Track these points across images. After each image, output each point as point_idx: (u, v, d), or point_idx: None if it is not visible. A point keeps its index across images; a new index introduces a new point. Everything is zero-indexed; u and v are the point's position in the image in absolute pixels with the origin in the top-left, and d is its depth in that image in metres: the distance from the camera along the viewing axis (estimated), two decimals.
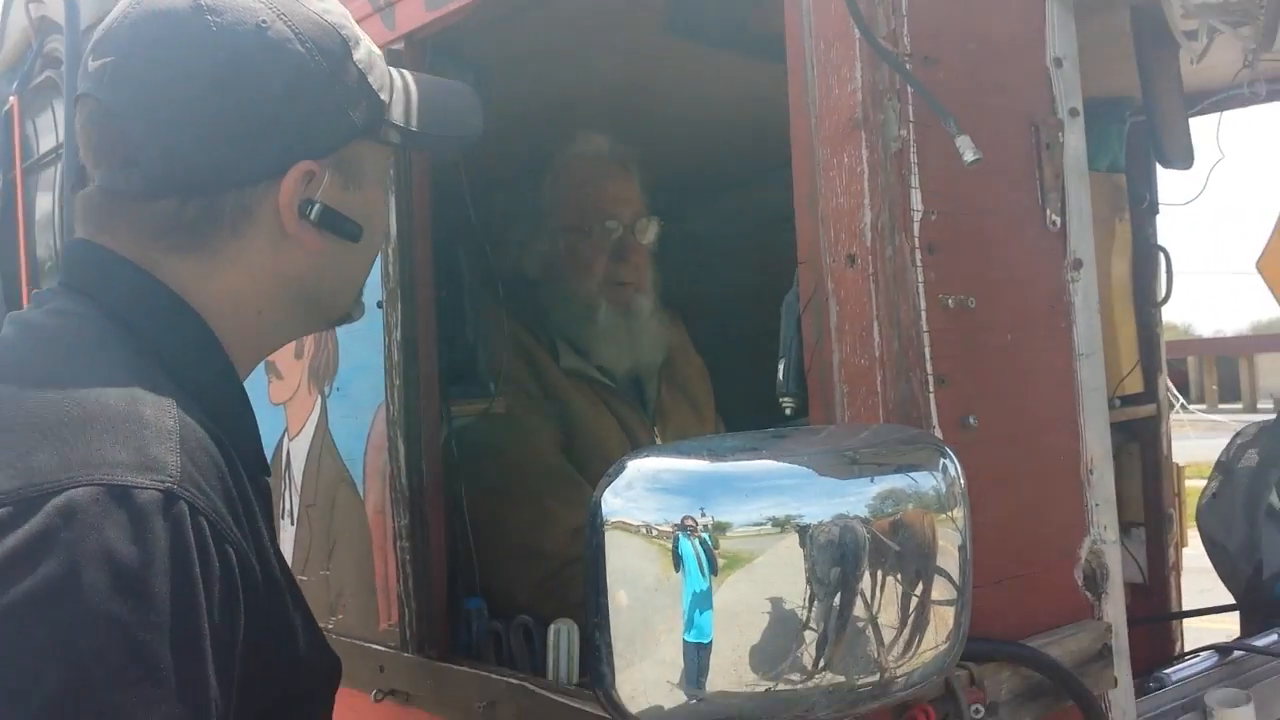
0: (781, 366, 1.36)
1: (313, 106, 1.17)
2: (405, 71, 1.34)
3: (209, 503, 0.97)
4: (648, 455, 1.01)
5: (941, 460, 1.09)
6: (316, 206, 1.19)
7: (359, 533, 2.01)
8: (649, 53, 2.26)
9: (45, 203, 3.12)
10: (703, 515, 0.95)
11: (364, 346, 1.97)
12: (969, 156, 1.18)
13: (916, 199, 1.25)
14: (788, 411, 1.36)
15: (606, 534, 0.98)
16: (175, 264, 1.17)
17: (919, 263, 1.25)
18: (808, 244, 1.31)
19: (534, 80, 2.37)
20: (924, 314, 1.25)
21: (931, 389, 1.25)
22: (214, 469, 1.02)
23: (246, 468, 1.11)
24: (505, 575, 2.20)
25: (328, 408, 2.09)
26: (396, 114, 1.26)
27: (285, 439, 2.21)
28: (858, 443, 1.08)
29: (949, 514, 1.06)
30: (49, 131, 3.07)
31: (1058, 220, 1.39)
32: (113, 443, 0.94)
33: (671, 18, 2.02)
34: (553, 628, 1.83)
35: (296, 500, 2.18)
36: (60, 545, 0.87)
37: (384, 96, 1.25)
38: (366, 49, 1.24)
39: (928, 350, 1.25)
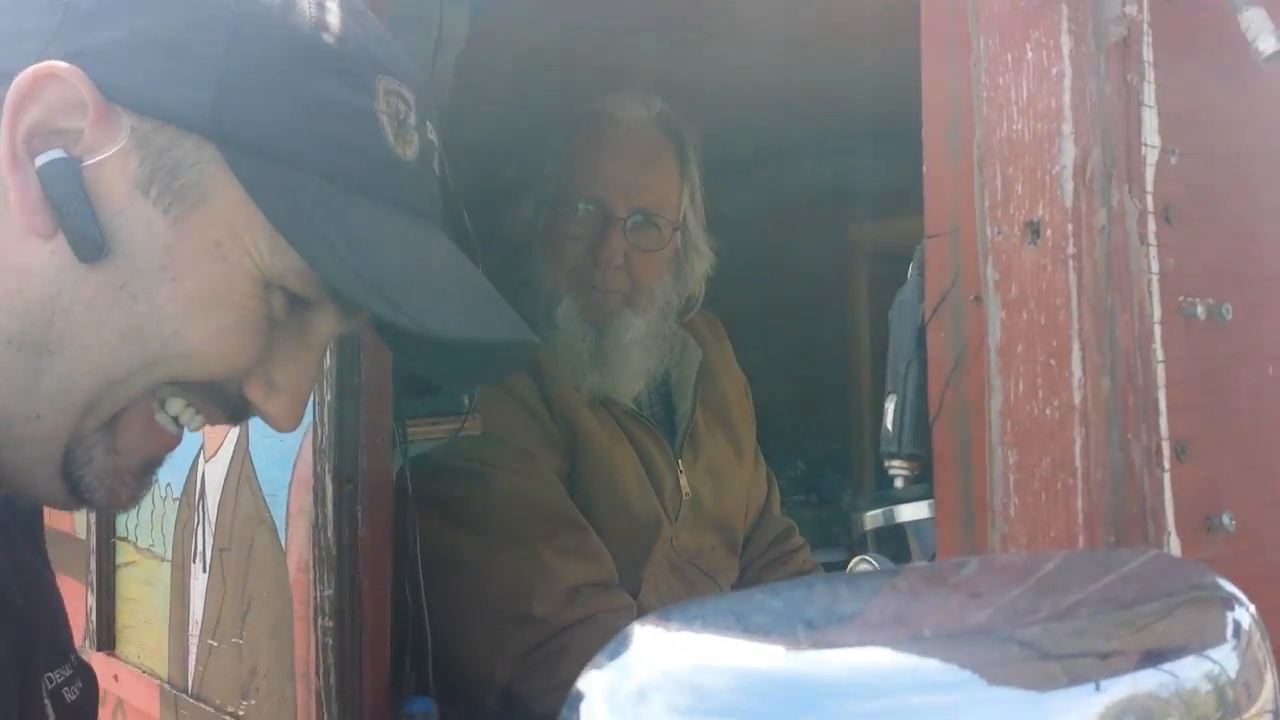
0: (891, 408, 0.82)
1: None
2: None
3: None
4: (670, 624, 0.47)
5: (1229, 622, 0.55)
6: (55, 152, 0.72)
7: (277, 593, 1.49)
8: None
9: None
10: None
11: None
12: (1270, 46, 0.64)
13: (1151, 126, 0.72)
14: (898, 482, 0.83)
15: None
16: None
17: (1152, 238, 0.71)
18: (946, 205, 0.77)
19: (535, 12, 1.87)
20: (1158, 329, 0.71)
21: (1167, 464, 0.71)
22: None
23: None
24: (479, 647, 1.71)
25: (250, 423, 1.57)
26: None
27: (200, 459, 1.70)
28: (1054, 602, 0.54)
29: None
30: None
31: None
32: None
33: None
34: None
35: (210, 540, 1.67)
36: None
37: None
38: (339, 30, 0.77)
39: (1162, 394, 0.71)
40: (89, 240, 0.72)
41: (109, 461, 0.79)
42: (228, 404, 0.82)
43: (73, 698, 0.90)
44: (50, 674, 0.87)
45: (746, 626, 0.44)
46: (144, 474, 0.83)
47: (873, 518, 0.95)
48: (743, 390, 2.25)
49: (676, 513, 1.98)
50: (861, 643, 0.45)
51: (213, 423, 0.84)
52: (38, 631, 0.86)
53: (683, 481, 2.00)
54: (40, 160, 0.72)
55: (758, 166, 2.79)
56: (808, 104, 2.31)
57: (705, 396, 2.11)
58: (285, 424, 0.83)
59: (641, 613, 1.86)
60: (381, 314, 0.76)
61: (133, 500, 0.84)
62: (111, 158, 0.73)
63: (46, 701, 0.86)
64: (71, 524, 2.14)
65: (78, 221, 0.72)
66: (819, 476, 3.35)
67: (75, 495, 0.80)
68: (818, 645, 0.45)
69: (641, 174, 1.90)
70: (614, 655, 0.46)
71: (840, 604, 0.55)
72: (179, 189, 0.73)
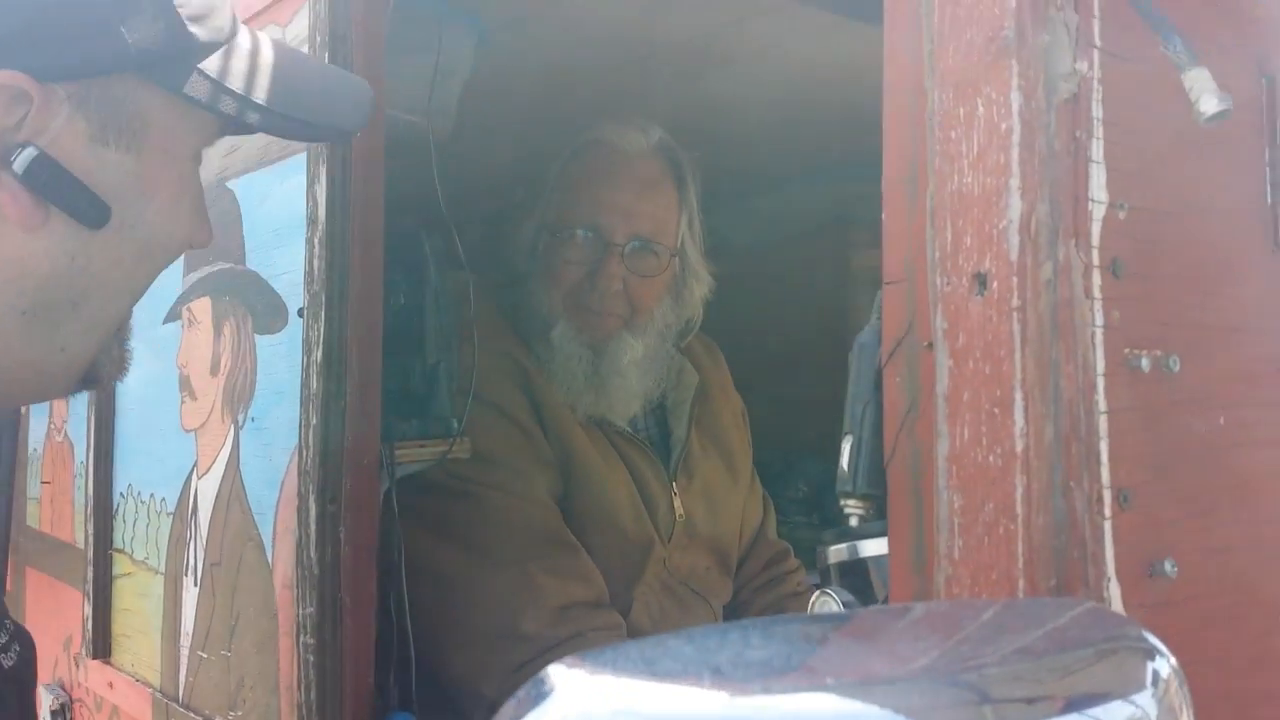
0: (847, 448, 0.84)
1: None
2: (270, 37, 0.97)
3: None
4: (605, 665, 0.48)
5: (1149, 671, 0.57)
6: (27, 152, 0.79)
7: (264, 609, 1.51)
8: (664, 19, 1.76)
9: None
10: None
11: (285, 366, 1.48)
12: (1210, 107, 0.66)
13: (1098, 181, 0.73)
14: (852, 521, 0.85)
15: None
16: None
17: (1097, 292, 0.73)
18: (901, 253, 0.79)
19: (541, 43, 1.89)
20: (1102, 380, 0.73)
21: (1108, 512, 0.72)
22: None
23: None
24: (468, 662, 1.72)
25: (240, 441, 1.60)
26: (220, 67, 0.88)
27: (194, 475, 1.72)
28: (985, 650, 0.56)
29: None
30: None
31: None
32: None
33: None
34: None
35: (201, 555, 1.69)
36: None
37: (195, 31, 0.86)
38: None
39: (1104, 444, 0.73)
40: (92, 210, 0.82)
41: (119, 349, 0.94)
42: None
43: (9, 663, 0.95)
44: None
45: (656, 672, 0.46)
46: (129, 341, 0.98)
47: (836, 551, 0.96)
48: (739, 414, 2.26)
49: (670, 534, 1.99)
50: (771, 690, 0.47)
51: None
52: None
53: (676, 503, 2.01)
54: (17, 164, 0.80)
55: (759, 194, 2.81)
56: (809, 133, 2.33)
57: (701, 419, 2.12)
58: (210, 242, 0.98)
59: (632, 632, 1.87)
60: (297, 136, 1.02)
61: (128, 369, 0.97)
62: (62, 130, 0.81)
63: None
64: (71, 534, 2.16)
65: (75, 201, 0.82)
66: (821, 499, 3.35)
67: (90, 385, 0.94)
68: (728, 691, 0.46)
69: (640, 201, 1.92)
70: (535, 701, 0.47)
71: (794, 642, 0.57)
72: (126, 125, 0.84)
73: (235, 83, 0.88)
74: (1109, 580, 0.71)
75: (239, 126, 0.93)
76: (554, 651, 1.72)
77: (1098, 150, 0.73)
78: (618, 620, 1.83)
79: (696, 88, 2.11)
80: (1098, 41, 0.72)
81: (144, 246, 0.88)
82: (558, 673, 0.47)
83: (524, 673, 1.72)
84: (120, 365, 0.94)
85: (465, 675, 1.73)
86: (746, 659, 0.52)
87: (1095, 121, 0.73)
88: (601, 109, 2.12)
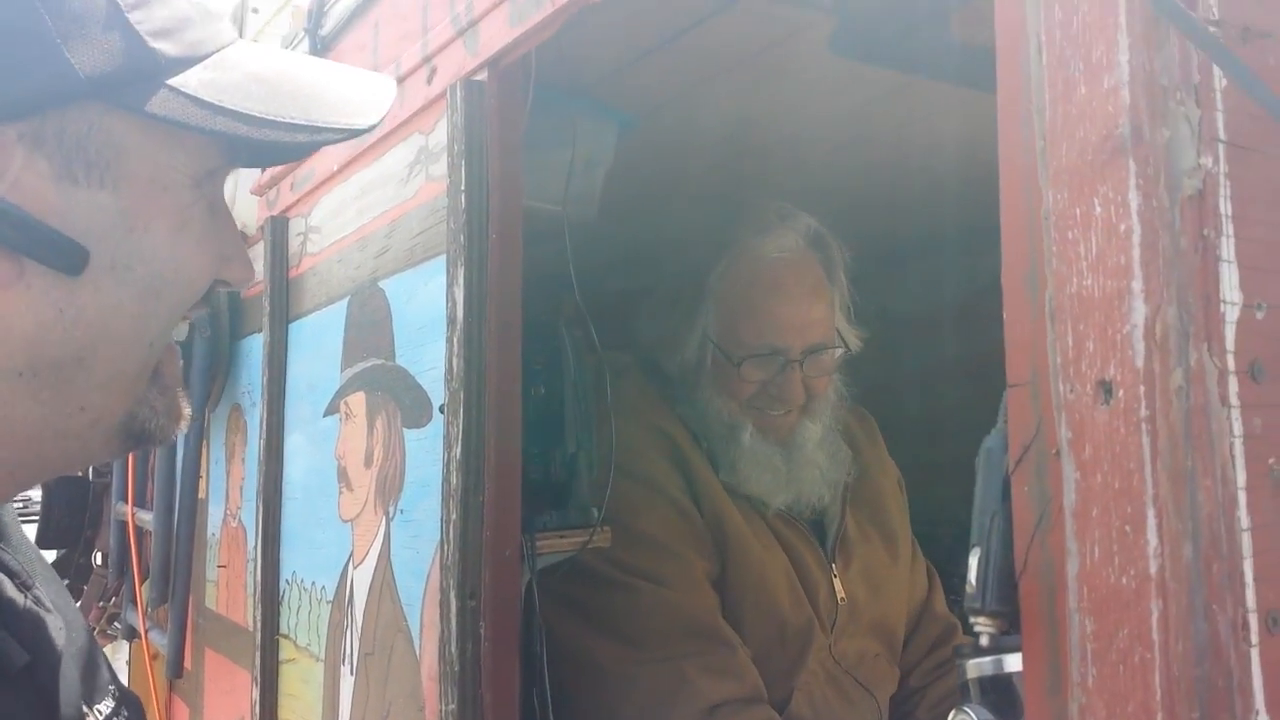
0: (974, 562, 0.80)
1: None
2: (273, 48, 0.91)
3: None
4: None
5: None
6: None
7: (412, 701, 1.53)
8: (820, 89, 1.75)
9: None
10: None
11: (430, 460, 1.51)
12: None
13: (1230, 281, 0.68)
14: (983, 640, 0.80)
15: None
16: None
17: (1234, 399, 0.68)
18: (1025, 354, 0.75)
19: (690, 127, 1.91)
20: (1243, 494, 0.67)
21: (1254, 638, 0.67)
22: None
23: None
24: None
25: (391, 533, 1.64)
26: (203, 81, 0.78)
27: (350, 565, 1.77)
28: None
29: None
30: None
31: None
32: None
33: (843, 37, 1.50)
34: None
35: (357, 644, 1.73)
36: None
37: (161, 46, 0.77)
38: None
39: (1249, 563, 0.67)
40: (67, 255, 0.75)
41: (163, 399, 0.84)
42: (205, 297, 0.87)
43: None
44: (98, 706, 0.90)
45: None
46: (180, 389, 0.88)
47: (977, 666, 0.91)
48: (896, 485, 2.20)
49: (833, 620, 1.94)
50: None
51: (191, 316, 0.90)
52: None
53: (837, 585, 1.96)
54: None
55: (916, 259, 2.76)
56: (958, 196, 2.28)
57: (857, 498, 2.08)
58: (248, 280, 0.89)
59: None
60: (307, 144, 0.82)
61: (188, 418, 0.88)
62: (22, 173, 0.74)
63: None
64: (244, 617, 2.25)
65: (46, 249, 0.74)
66: None
67: (140, 443, 0.84)
68: None
69: (809, 312, 1.91)
70: None
71: None
72: (95, 158, 0.76)
73: (216, 95, 0.78)
74: (1257, 714, 0.65)
75: (242, 144, 0.83)
76: None
77: (1228, 249, 0.68)
78: (770, 714, 1.78)
79: (847, 159, 2.10)
80: (1222, 135, 0.68)
81: (147, 287, 0.79)
82: None
83: None
84: (171, 416, 0.85)
85: None
86: None
87: (1224, 218, 0.68)
88: (752, 184, 2.13)
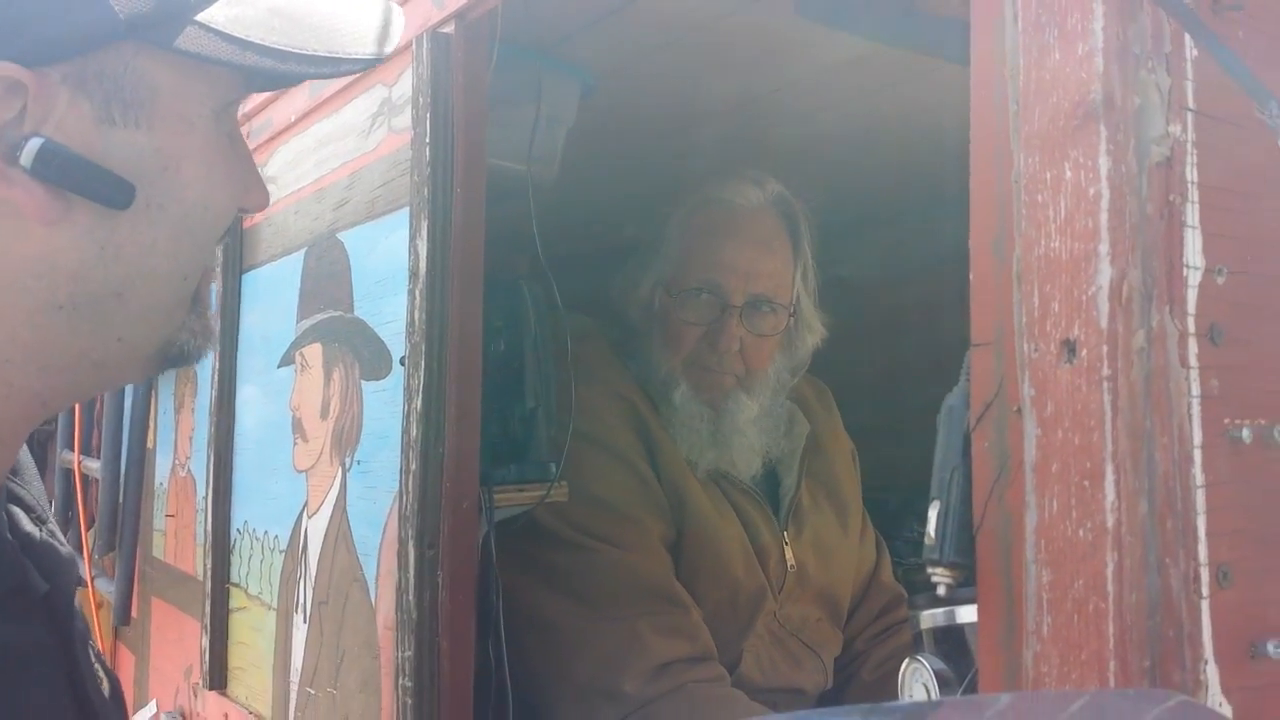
0: (934, 515, 0.82)
1: None
2: None
3: None
4: None
5: None
6: (33, 144, 0.74)
7: (367, 649, 1.54)
8: (782, 54, 1.76)
9: None
10: None
11: (389, 412, 1.51)
12: None
13: (1194, 246, 0.71)
14: (940, 590, 0.83)
15: None
16: None
17: (1194, 360, 0.70)
18: (989, 315, 0.77)
19: (652, 90, 1.91)
20: (1199, 453, 0.70)
21: (1205, 590, 0.69)
22: None
23: None
24: (566, 714, 1.72)
25: (347, 484, 1.64)
26: (225, 16, 0.80)
27: (304, 515, 1.77)
28: None
29: None
30: None
31: None
32: None
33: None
34: None
35: (310, 593, 1.73)
36: None
37: None
38: None
39: (1202, 519, 0.70)
40: (115, 192, 0.77)
41: (200, 322, 0.88)
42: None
43: (108, 693, 0.94)
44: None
45: None
46: (210, 310, 0.92)
47: (930, 616, 0.94)
48: (849, 458, 2.23)
49: (781, 585, 1.97)
50: None
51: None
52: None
53: (788, 553, 1.99)
54: (25, 158, 0.74)
55: (874, 228, 2.78)
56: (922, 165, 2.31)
57: (811, 469, 2.10)
58: (265, 204, 0.91)
59: (741, 684, 1.86)
60: (325, 73, 0.87)
61: (217, 337, 0.89)
62: (65, 114, 0.76)
63: (97, 666, 0.90)
64: (193, 566, 2.24)
65: (95, 184, 0.77)
66: None
67: (175, 363, 0.88)
68: None
69: (757, 260, 1.92)
70: None
71: None
72: (131, 98, 0.78)
73: (242, 30, 0.80)
74: (1206, 662, 0.68)
75: (261, 76, 0.85)
76: (651, 707, 1.72)
77: (1193, 215, 0.70)
78: (720, 671, 1.81)
79: (808, 128, 2.11)
80: (1191, 104, 0.70)
81: (179, 225, 0.81)
82: None
83: None
84: (205, 336, 0.88)
85: None
86: None
87: (1190, 185, 0.70)
88: (714, 152, 2.13)
